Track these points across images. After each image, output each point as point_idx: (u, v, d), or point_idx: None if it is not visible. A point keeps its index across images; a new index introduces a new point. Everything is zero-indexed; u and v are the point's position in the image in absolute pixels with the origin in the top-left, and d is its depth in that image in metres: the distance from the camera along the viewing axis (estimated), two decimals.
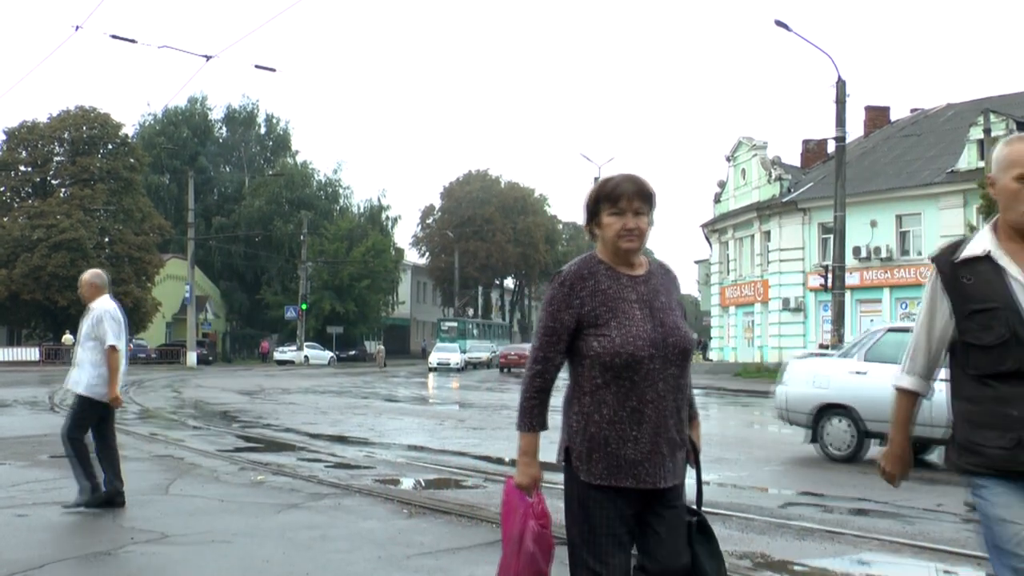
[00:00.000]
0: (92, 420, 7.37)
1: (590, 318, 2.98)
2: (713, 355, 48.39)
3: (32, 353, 50.34)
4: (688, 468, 3.15)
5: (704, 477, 3.28)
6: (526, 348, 56.20)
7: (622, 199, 2.99)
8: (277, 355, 59.68)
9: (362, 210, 73.71)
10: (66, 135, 53.77)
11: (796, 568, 6.04)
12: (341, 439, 13.74)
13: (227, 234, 65.00)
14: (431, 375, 43.38)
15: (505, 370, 49.87)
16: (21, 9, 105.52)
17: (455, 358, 50.02)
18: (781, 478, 10.20)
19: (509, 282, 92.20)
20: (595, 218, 3.08)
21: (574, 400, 3.04)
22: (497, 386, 33.48)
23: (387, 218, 74.32)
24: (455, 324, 65.31)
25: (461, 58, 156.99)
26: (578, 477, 2.99)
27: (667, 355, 2.98)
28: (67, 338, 48.97)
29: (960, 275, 2.79)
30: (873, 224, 36.52)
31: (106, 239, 53.21)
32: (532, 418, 3.05)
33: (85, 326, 7.34)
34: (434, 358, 50.31)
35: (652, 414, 2.95)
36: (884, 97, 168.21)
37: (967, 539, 6.58)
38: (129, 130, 59.75)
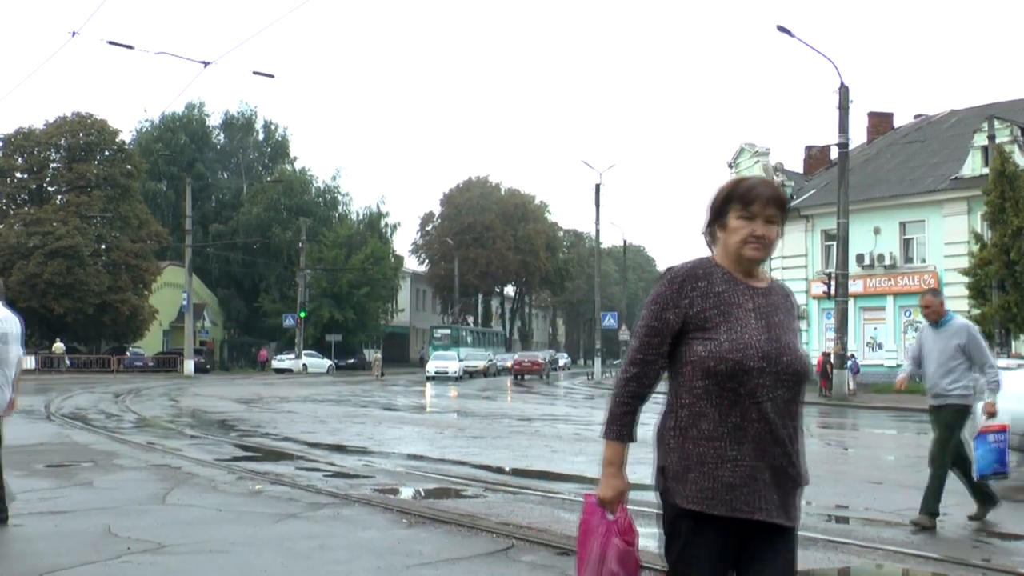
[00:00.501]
0: None
1: (698, 320, 2.71)
2: None
3: (28, 361, 50.15)
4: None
5: None
6: (538, 355, 56.48)
7: (756, 202, 2.73)
8: (275, 363, 59.46)
9: (361, 217, 73.60)
10: (62, 141, 53.65)
11: None
12: (340, 448, 13.66)
13: (225, 241, 64.91)
14: (428, 384, 42.94)
15: (519, 377, 49.57)
16: (17, 15, 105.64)
17: (453, 366, 48.48)
18: None
19: (509, 290, 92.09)
20: (719, 219, 2.80)
21: (670, 415, 2.75)
22: (497, 395, 33.40)
23: (386, 225, 74.22)
24: (448, 331, 64.71)
25: (461, 65, 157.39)
26: (672, 500, 2.70)
27: (779, 373, 2.68)
28: (57, 346, 48.84)
29: None
30: (876, 231, 36.51)
31: (103, 246, 53.04)
32: (621, 426, 2.75)
33: None
34: (431, 367, 48.85)
35: (755, 435, 2.65)
36: (887, 103, 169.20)
37: (971, 550, 6.51)
38: (126, 136, 59.69)
